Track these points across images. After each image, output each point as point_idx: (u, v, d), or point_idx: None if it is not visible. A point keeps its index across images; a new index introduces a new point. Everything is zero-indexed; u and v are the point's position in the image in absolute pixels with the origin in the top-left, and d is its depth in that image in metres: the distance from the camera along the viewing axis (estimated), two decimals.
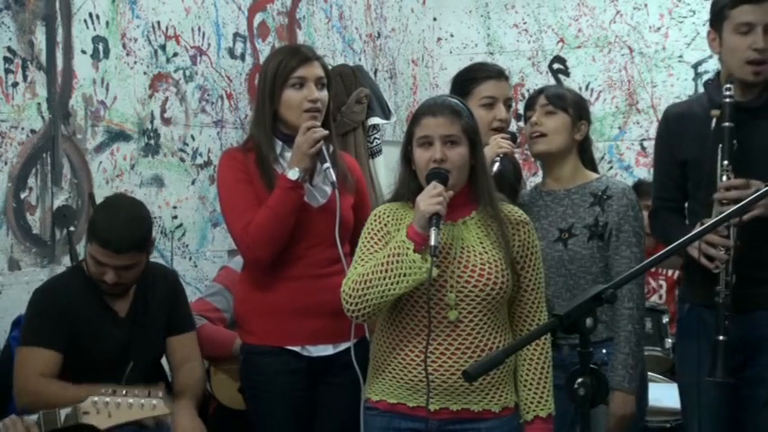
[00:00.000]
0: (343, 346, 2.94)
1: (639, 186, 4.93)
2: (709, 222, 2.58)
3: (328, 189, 2.98)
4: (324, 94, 2.96)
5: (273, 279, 2.95)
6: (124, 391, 2.71)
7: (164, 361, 3.17)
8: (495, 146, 3.07)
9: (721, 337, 2.77)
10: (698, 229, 2.72)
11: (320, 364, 2.97)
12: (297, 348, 2.96)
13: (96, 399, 2.68)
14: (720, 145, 2.83)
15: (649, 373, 3.96)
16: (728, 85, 2.85)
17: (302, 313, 2.93)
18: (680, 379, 3.15)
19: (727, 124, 2.82)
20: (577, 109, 3.12)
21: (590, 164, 3.19)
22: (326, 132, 2.88)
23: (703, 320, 2.93)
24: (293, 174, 2.85)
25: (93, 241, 2.88)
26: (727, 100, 2.83)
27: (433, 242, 2.42)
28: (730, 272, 2.78)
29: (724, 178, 2.81)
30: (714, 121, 2.88)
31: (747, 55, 2.83)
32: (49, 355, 2.87)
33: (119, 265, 2.86)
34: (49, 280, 3.01)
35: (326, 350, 2.97)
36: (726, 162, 2.81)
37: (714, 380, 2.78)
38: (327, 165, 2.87)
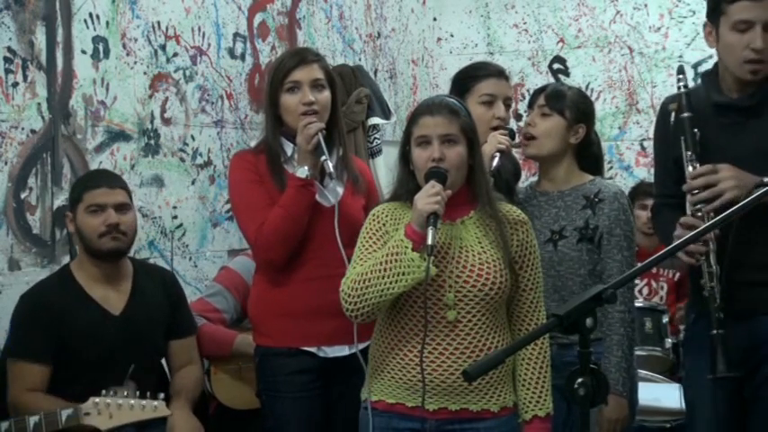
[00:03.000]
0: (359, 346, 2.93)
1: (638, 187, 4.94)
2: (700, 227, 2.53)
3: (340, 190, 2.99)
4: (323, 95, 2.97)
5: (287, 280, 2.96)
6: (125, 393, 2.71)
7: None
8: (494, 142, 3.07)
9: (715, 332, 2.68)
10: (678, 230, 2.73)
11: (335, 364, 2.97)
12: (313, 349, 2.96)
13: (98, 400, 2.68)
14: (682, 137, 2.80)
15: (649, 373, 3.98)
16: (680, 76, 2.84)
17: (317, 314, 2.93)
18: (685, 391, 3.05)
19: (685, 115, 2.80)
20: (576, 112, 3.10)
21: (593, 165, 3.17)
22: (321, 125, 2.90)
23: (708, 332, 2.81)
24: (302, 172, 2.88)
25: (84, 193, 2.98)
26: (682, 90, 2.83)
27: (429, 241, 2.42)
28: (713, 263, 2.70)
29: (690, 169, 2.77)
30: (673, 114, 2.87)
31: (745, 54, 2.74)
32: (36, 370, 2.87)
33: (116, 202, 2.97)
34: (35, 285, 3.00)
35: (342, 351, 2.97)
36: (689, 153, 2.78)
37: (715, 377, 2.67)
38: (325, 157, 2.88)
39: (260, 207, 2.92)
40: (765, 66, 2.77)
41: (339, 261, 2.90)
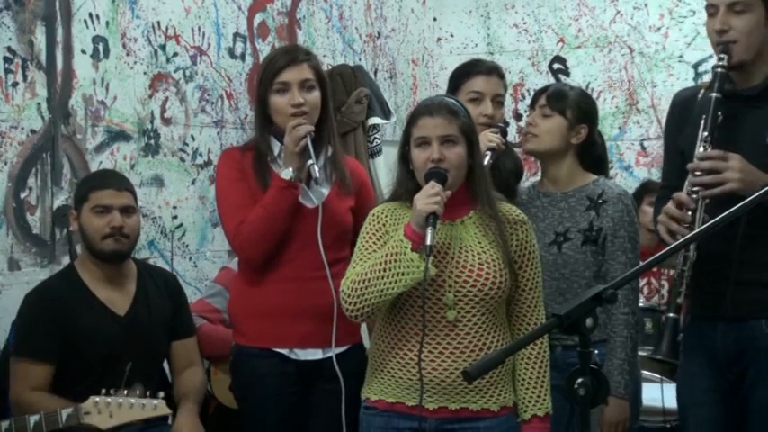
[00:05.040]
0: (331, 352, 2.92)
1: (647, 184, 4.91)
2: (707, 222, 2.51)
3: (325, 191, 2.98)
4: (312, 95, 2.94)
5: (265, 279, 2.95)
6: (125, 392, 2.71)
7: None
8: (484, 139, 3.06)
9: (672, 315, 2.66)
10: (669, 203, 2.70)
11: (310, 368, 2.95)
12: (284, 351, 2.94)
13: (98, 399, 2.68)
14: (704, 116, 2.72)
15: (649, 373, 3.97)
16: (722, 55, 2.76)
17: (291, 315, 2.91)
18: (678, 394, 3.04)
19: (714, 95, 2.72)
20: (577, 112, 3.09)
21: (597, 166, 3.16)
22: (311, 128, 2.88)
23: (703, 334, 2.83)
24: (286, 174, 2.86)
25: (91, 193, 2.97)
26: (718, 70, 2.74)
27: (428, 241, 2.42)
28: (692, 249, 2.65)
29: (701, 149, 2.69)
30: (702, 92, 2.83)
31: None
32: (39, 369, 2.87)
33: (121, 204, 2.97)
34: (41, 284, 3.01)
35: (315, 354, 2.95)
36: (705, 133, 2.69)
37: (654, 357, 2.69)
38: (311, 161, 2.85)
39: (241, 205, 2.92)
40: (738, 45, 2.74)
41: (319, 263, 2.89)
